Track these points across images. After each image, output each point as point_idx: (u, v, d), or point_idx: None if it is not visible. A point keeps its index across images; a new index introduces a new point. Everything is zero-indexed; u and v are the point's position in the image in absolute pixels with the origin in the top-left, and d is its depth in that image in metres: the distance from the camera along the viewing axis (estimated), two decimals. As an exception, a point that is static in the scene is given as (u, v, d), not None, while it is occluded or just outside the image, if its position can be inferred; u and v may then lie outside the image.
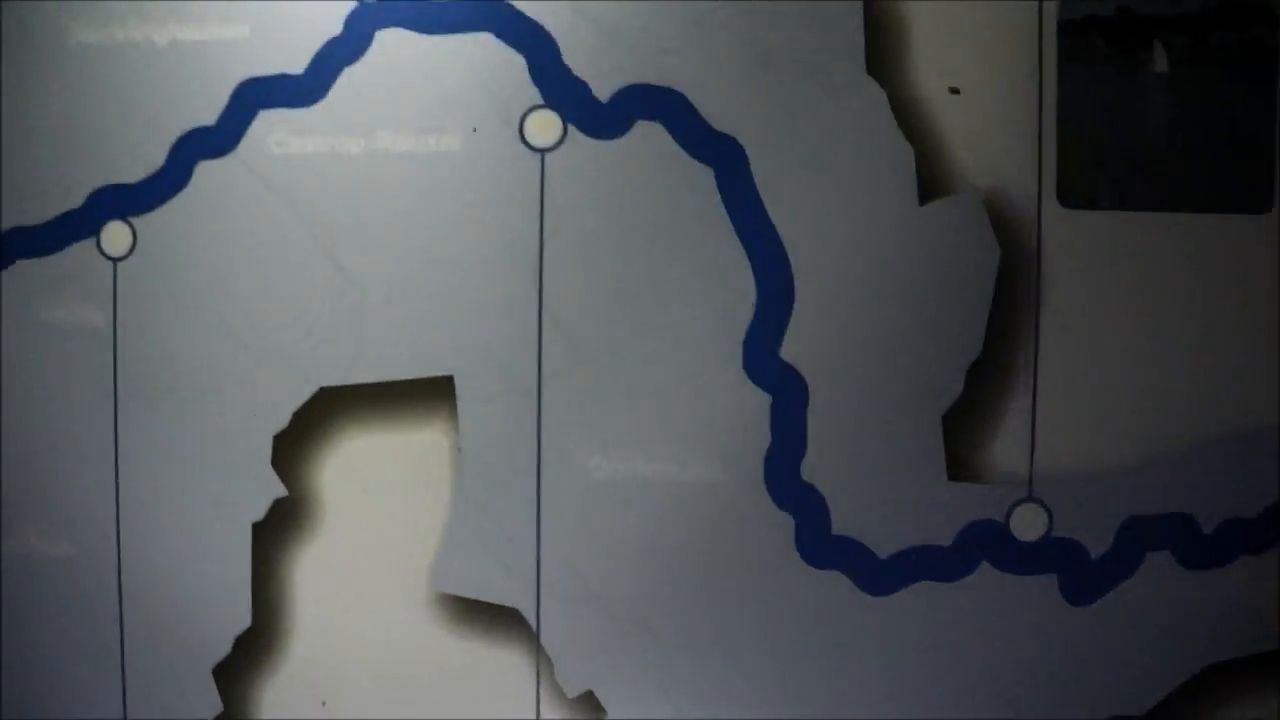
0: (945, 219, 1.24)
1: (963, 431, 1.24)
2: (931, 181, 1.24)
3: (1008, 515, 1.23)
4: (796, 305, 1.26)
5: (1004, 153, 1.24)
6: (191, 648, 1.37)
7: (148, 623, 1.42)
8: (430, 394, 1.30)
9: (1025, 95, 1.23)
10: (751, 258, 1.26)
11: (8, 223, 1.40)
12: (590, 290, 1.27)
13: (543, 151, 1.27)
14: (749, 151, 1.26)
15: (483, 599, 1.31)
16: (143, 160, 1.36)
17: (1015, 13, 1.23)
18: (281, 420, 1.32)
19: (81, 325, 1.38)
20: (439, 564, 1.31)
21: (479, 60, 1.29)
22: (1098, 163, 1.23)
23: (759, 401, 1.26)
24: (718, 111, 1.26)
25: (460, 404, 1.29)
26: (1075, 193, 1.23)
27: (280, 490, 1.32)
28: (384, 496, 1.31)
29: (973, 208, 1.23)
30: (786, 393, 1.26)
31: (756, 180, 1.26)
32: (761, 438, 1.26)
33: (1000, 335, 1.24)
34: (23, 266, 1.40)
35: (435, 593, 1.31)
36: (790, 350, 1.26)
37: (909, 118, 1.24)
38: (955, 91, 1.23)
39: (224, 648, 1.36)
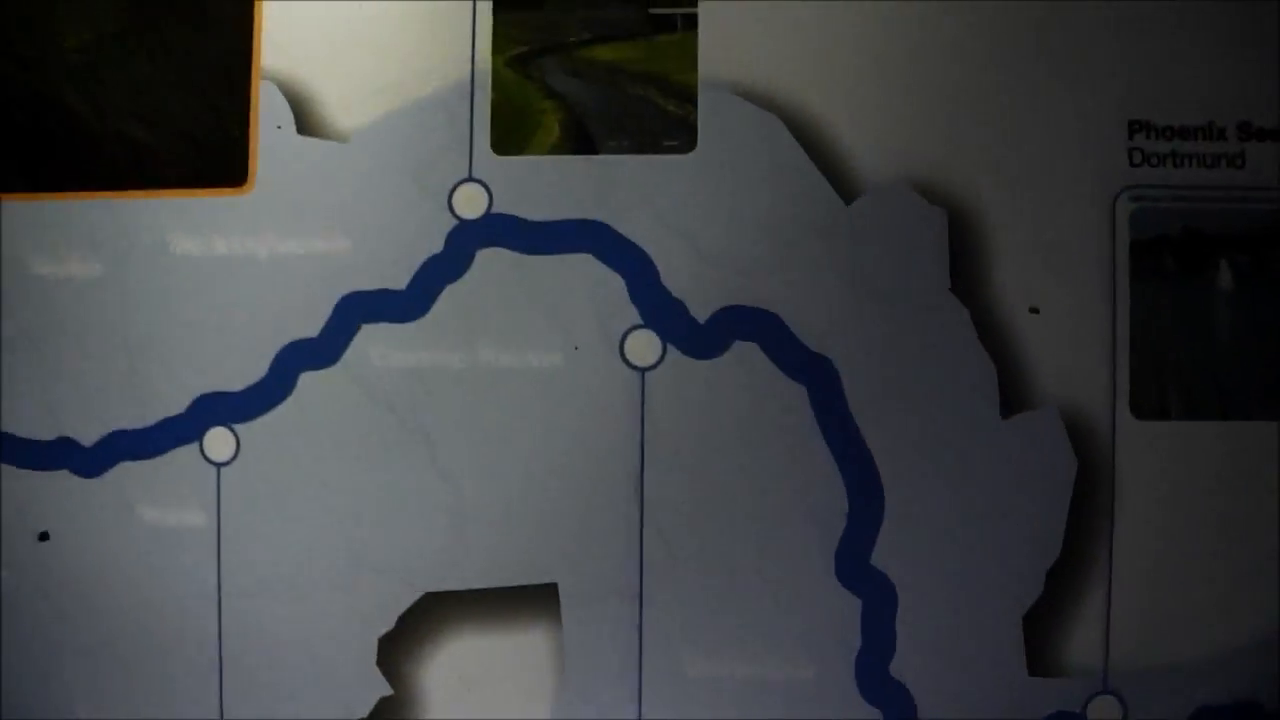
0: (1025, 432, 1.30)
1: (1042, 628, 1.31)
2: (1012, 396, 1.30)
3: (1084, 706, 1.30)
4: (886, 515, 1.30)
5: (1080, 367, 1.31)
6: None
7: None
8: (534, 599, 1.34)
9: (1099, 312, 1.29)
10: (844, 471, 1.31)
11: (111, 425, 1.41)
12: (690, 501, 1.32)
13: (643, 370, 1.31)
14: (841, 370, 1.31)
15: (584, 802, 1.34)
16: (246, 370, 1.38)
17: (1089, 235, 1.29)
18: (387, 622, 1.35)
19: (184, 527, 1.40)
20: None
21: (580, 280, 1.33)
22: (1168, 375, 1.29)
23: (850, 606, 1.31)
24: (811, 332, 1.31)
25: (564, 609, 1.33)
26: (1147, 404, 1.29)
27: (385, 689, 1.35)
28: (488, 697, 1.34)
29: (1051, 421, 1.29)
30: (877, 597, 1.31)
31: (848, 397, 1.30)
32: (853, 639, 1.31)
33: (1077, 539, 1.30)
34: (125, 468, 1.41)
35: None
36: (880, 557, 1.31)
37: (991, 335, 1.30)
38: (1035, 311, 1.29)
39: None
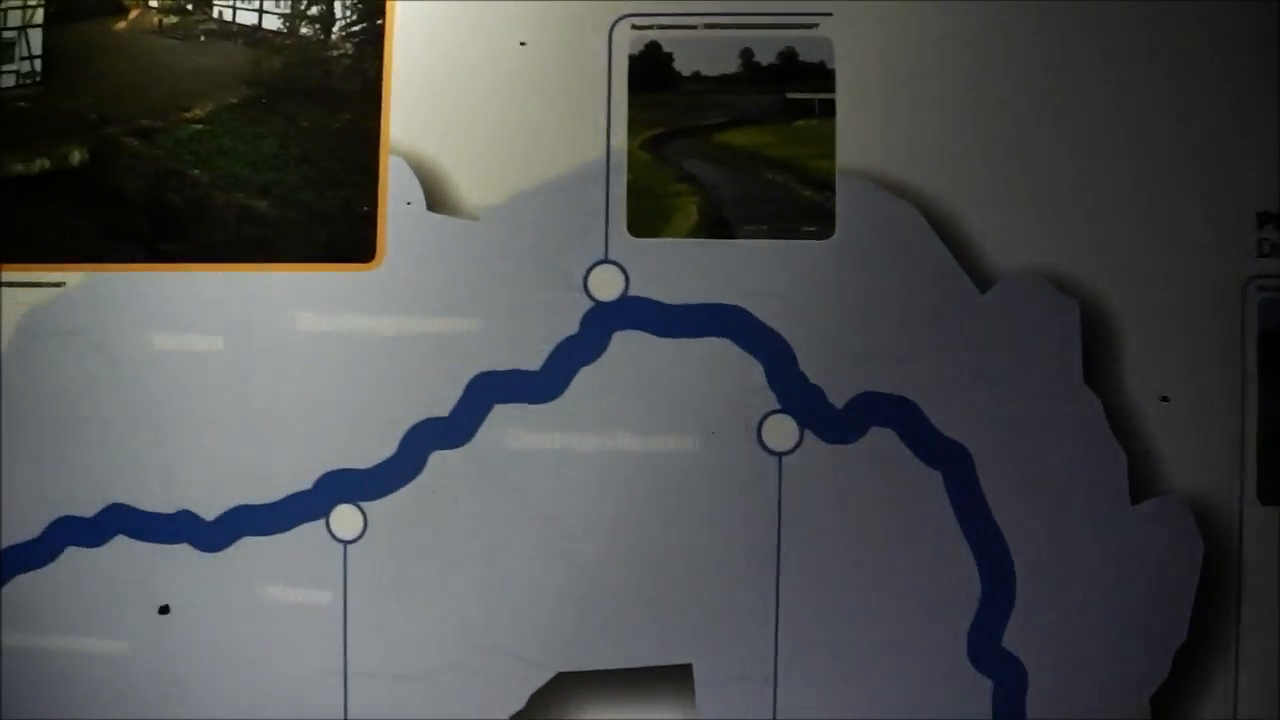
0: (1154, 518, 1.30)
1: (1169, 709, 1.31)
2: (1141, 482, 1.30)
3: (1210, 786, 1.29)
4: (1018, 598, 1.29)
5: (1208, 454, 1.31)
6: None
7: None
8: (668, 680, 1.31)
9: (1229, 400, 1.28)
10: (977, 556, 1.30)
11: (233, 500, 1.37)
12: (824, 585, 1.30)
13: (780, 455, 1.29)
14: (975, 457, 1.29)
15: None
16: (374, 447, 1.35)
17: (1219, 324, 1.29)
18: (518, 702, 1.32)
19: (309, 605, 1.37)
20: None
21: (717, 364, 1.31)
22: (1293, 462, 1.29)
23: (982, 687, 1.30)
24: (946, 419, 1.30)
25: (698, 690, 1.31)
26: (1274, 490, 1.29)
27: None
28: None
29: (1179, 507, 1.29)
30: (1008, 679, 1.31)
31: (982, 483, 1.29)
32: None
33: (1204, 621, 1.30)
34: (248, 543, 1.37)
35: None
36: (1011, 640, 1.29)
37: (1121, 424, 1.30)
38: (1165, 400, 1.28)
39: None
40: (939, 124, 1.32)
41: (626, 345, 1.33)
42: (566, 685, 1.36)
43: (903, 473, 1.31)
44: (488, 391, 1.35)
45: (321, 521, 1.39)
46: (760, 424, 1.32)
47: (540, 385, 1.34)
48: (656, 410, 1.33)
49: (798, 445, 1.31)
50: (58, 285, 1.47)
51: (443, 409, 1.35)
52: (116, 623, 1.45)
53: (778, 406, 1.32)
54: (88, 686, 1.46)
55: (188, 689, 1.44)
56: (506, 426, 1.35)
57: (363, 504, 1.38)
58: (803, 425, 1.31)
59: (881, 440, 1.31)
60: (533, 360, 1.34)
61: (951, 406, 1.31)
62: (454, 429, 1.35)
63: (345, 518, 1.38)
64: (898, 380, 1.31)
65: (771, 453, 1.32)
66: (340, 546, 1.38)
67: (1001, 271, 1.31)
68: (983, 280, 1.31)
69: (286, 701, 1.42)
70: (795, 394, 1.31)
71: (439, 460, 1.36)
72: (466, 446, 1.35)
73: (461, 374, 1.36)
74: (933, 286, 1.31)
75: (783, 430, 1.31)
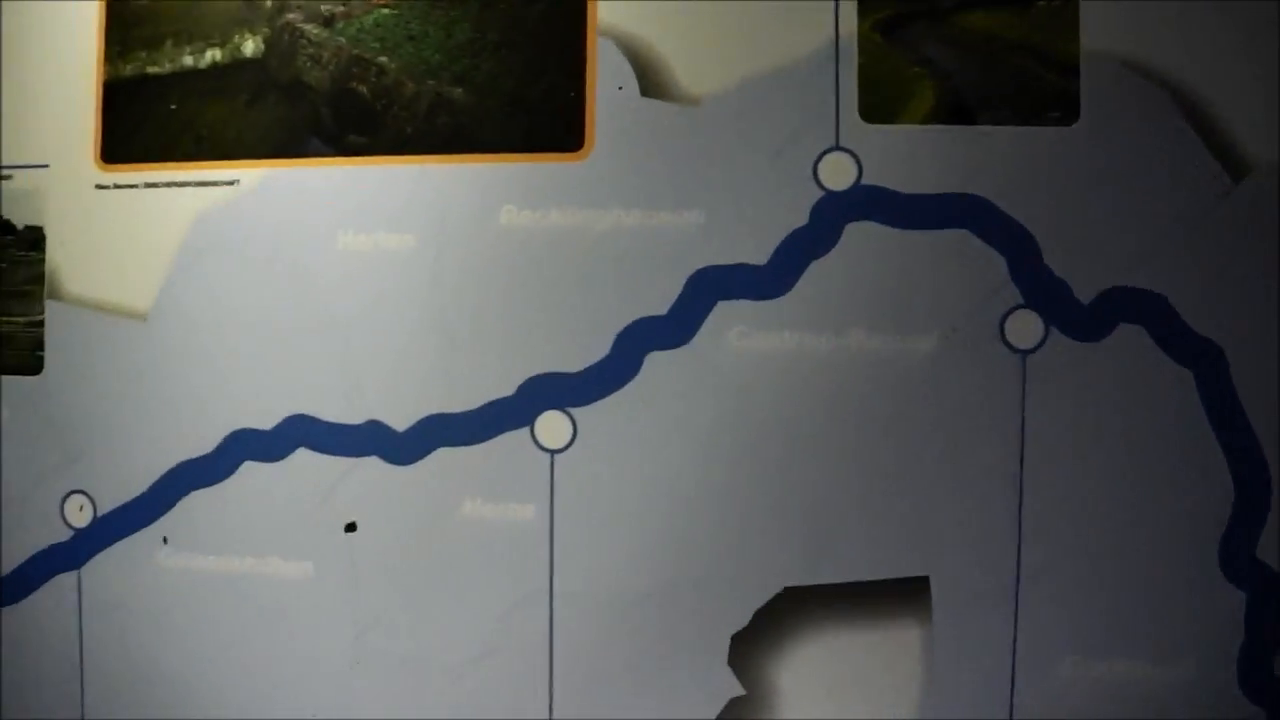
0: None
1: None
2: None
3: None
4: (1274, 506, 1.17)
5: None
6: None
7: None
8: (902, 594, 1.19)
9: None
10: (1230, 460, 1.18)
11: (427, 409, 1.23)
12: (1070, 492, 1.19)
13: (1024, 353, 1.16)
14: (1229, 355, 1.17)
15: (949, 800, 1.20)
16: (584, 350, 1.22)
17: None
18: (742, 619, 1.19)
19: (513, 521, 1.23)
20: None
21: (956, 258, 1.19)
22: None
23: (1234, 600, 1.17)
24: (1199, 316, 1.18)
25: (935, 604, 1.18)
26: None
27: (736, 689, 1.19)
28: (847, 698, 1.19)
29: None
30: (1262, 590, 1.18)
31: (1236, 384, 1.17)
32: (1236, 635, 1.18)
33: None
34: (444, 456, 1.23)
35: None
36: (1266, 550, 1.17)
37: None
38: None
39: None
40: (1193, 9, 1.20)
41: (859, 238, 1.22)
42: (794, 601, 1.23)
43: (1152, 372, 1.20)
44: (709, 288, 1.23)
45: (525, 430, 1.26)
46: (1003, 320, 1.20)
47: (767, 281, 1.22)
48: (892, 307, 1.21)
49: (1042, 343, 1.20)
50: (231, 184, 1.34)
51: (660, 307, 1.23)
52: (299, 542, 1.31)
53: (1021, 302, 1.21)
54: (269, 610, 1.31)
55: (379, 614, 1.30)
56: (730, 325, 1.23)
57: (571, 410, 1.25)
58: (1048, 321, 1.20)
59: (1130, 337, 1.20)
60: (759, 254, 1.22)
61: (1204, 302, 1.20)
62: (672, 328, 1.23)
63: (552, 426, 1.25)
64: (1147, 274, 1.20)
65: (1015, 350, 1.20)
66: (546, 457, 1.25)
67: (1257, 162, 1.19)
68: (1236, 170, 1.19)
69: (487, 627, 1.28)
70: (1040, 288, 1.20)
71: (656, 362, 1.23)
72: (686, 347, 1.23)
73: (681, 269, 1.23)
74: (1184, 176, 1.20)
75: (1027, 327, 1.20)
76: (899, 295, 1.24)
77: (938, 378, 1.24)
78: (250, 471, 1.35)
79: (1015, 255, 1.23)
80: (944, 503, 1.25)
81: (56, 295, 1.41)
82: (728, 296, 1.25)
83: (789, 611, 1.27)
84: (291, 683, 1.35)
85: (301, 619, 1.34)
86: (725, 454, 1.26)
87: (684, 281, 1.25)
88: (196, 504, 1.37)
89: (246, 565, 1.35)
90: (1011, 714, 1.25)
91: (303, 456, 1.33)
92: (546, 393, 1.27)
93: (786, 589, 1.26)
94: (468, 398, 1.29)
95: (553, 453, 1.28)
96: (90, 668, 1.42)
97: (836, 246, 1.24)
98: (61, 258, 1.40)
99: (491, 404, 1.28)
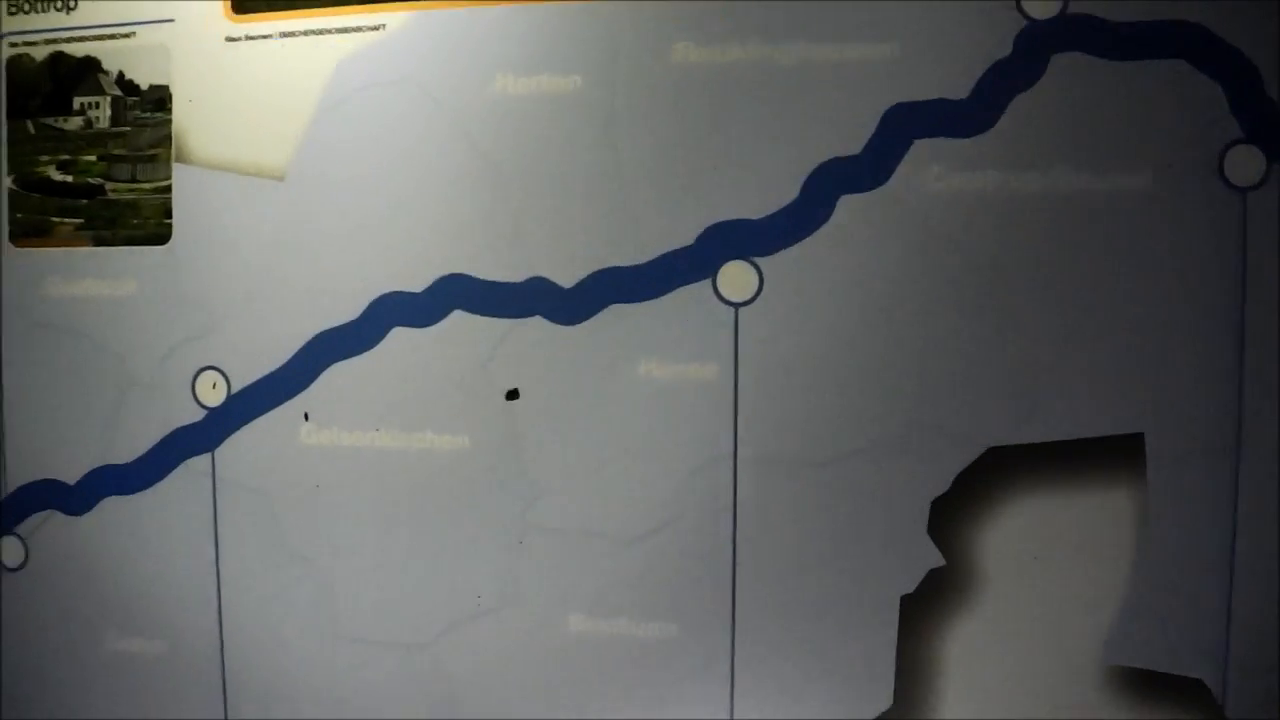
0: None
1: None
2: None
3: None
4: None
5: None
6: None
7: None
8: (1115, 453, 1.02)
9: None
10: None
11: (597, 263, 1.06)
12: (1294, 340, 1.02)
13: (1244, 190, 1.00)
14: None
15: (1163, 671, 1.02)
16: (770, 193, 1.05)
17: None
18: (942, 484, 1.01)
19: (693, 381, 1.06)
20: (1114, 635, 1.02)
21: (1171, 90, 1.04)
22: None
23: None
24: None
25: (1150, 464, 1.01)
26: None
27: (936, 560, 1.01)
28: (1055, 564, 1.03)
29: None
30: None
31: None
32: None
33: None
34: (617, 312, 1.05)
35: (1107, 669, 1.02)
36: None
37: None
38: None
39: None
40: None
41: (1067, 69, 1.08)
42: (997, 463, 1.06)
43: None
44: (906, 125, 1.08)
45: (706, 283, 1.09)
46: (1222, 155, 1.04)
47: (967, 116, 1.07)
48: (1102, 142, 1.07)
49: (1264, 180, 1.04)
50: (376, 29, 1.16)
51: (853, 146, 1.07)
52: (455, 413, 1.14)
53: (1241, 135, 1.05)
54: (423, 488, 1.14)
55: (544, 488, 1.12)
56: (928, 165, 1.08)
57: (756, 260, 1.08)
58: (1270, 157, 1.02)
59: (1360, 174, 1.04)
60: (958, 88, 1.08)
61: None
62: (865, 169, 1.08)
63: (735, 277, 1.09)
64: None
65: (1234, 188, 1.05)
66: (729, 311, 1.08)
67: None
68: None
69: (665, 497, 1.11)
70: (1262, 121, 1.07)
71: (849, 205, 1.08)
72: (880, 189, 1.08)
73: (874, 106, 1.07)
74: None
75: (1247, 162, 1.04)
76: (1109, 130, 1.10)
77: (1151, 218, 1.09)
78: (399, 338, 1.18)
79: (1235, 86, 1.09)
80: (1159, 353, 1.10)
81: (185, 158, 1.24)
82: (925, 134, 1.10)
83: (993, 474, 1.11)
84: (450, 565, 1.18)
85: (459, 496, 1.17)
86: (923, 304, 1.10)
87: (878, 119, 1.10)
88: (340, 376, 1.20)
89: (397, 440, 1.18)
90: (1232, 579, 1.08)
91: (458, 320, 1.16)
92: (729, 241, 1.12)
93: (990, 449, 1.11)
94: (641, 249, 1.13)
95: (736, 306, 1.11)
96: (226, 555, 1.24)
97: (1041, 79, 1.09)
98: (189, 118, 1.23)
99: (668, 255, 1.12)
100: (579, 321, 1.17)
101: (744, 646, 1.17)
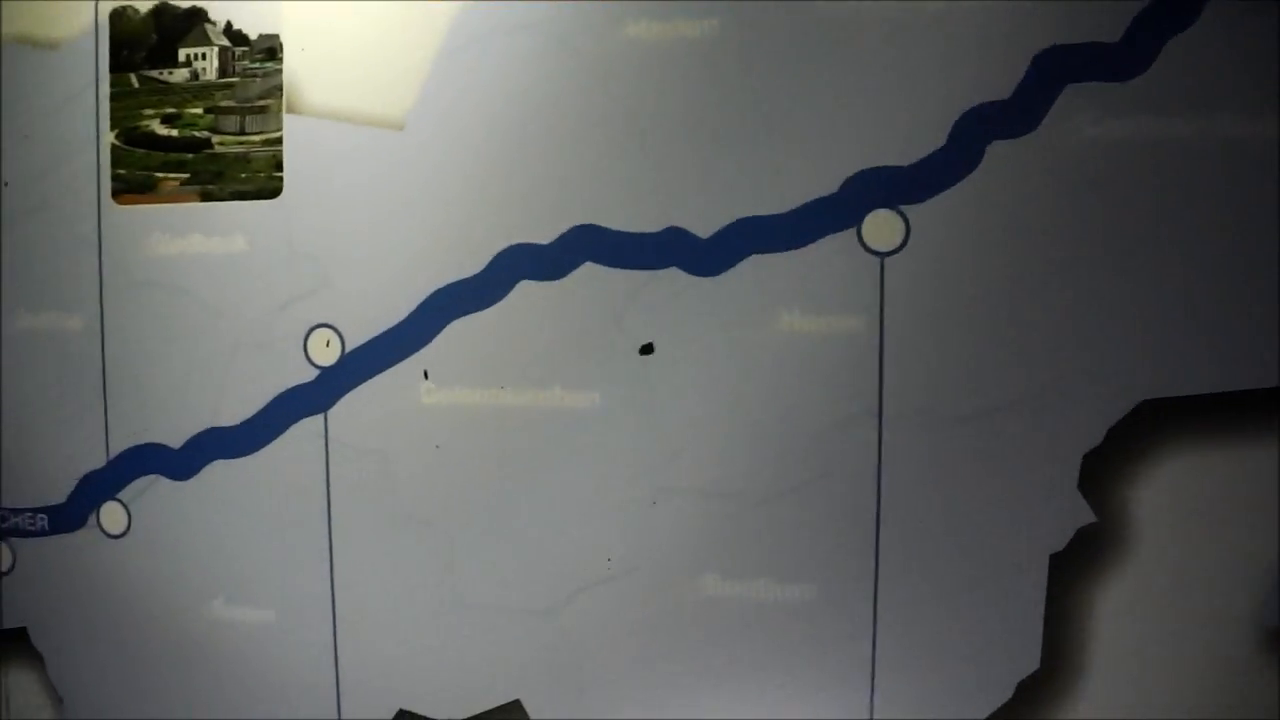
0: None
1: None
2: None
3: None
4: None
5: None
6: (963, 692, 0.99)
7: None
8: (1272, 405, 0.95)
9: None
10: None
11: (737, 212, 0.99)
12: None
13: None
14: None
15: (1324, 630, 0.99)
16: (917, 139, 0.98)
17: None
18: (1093, 438, 0.95)
19: (838, 333, 0.99)
20: (1275, 595, 0.96)
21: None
22: None
23: None
24: None
25: None
26: None
27: (1087, 517, 0.95)
28: (1211, 521, 0.98)
29: None
30: None
31: None
32: None
33: None
34: (758, 263, 0.99)
35: (1267, 630, 0.96)
36: None
37: None
38: None
39: (1004, 693, 0.98)
40: None
41: (1223, 10, 1.01)
42: (1151, 416, 1.01)
43: None
44: (1057, 69, 1.03)
45: (851, 232, 1.03)
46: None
47: (1121, 60, 1.01)
48: (1266, 86, 0.99)
49: None
50: (501, -28, 1.10)
51: (1003, 90, 1.02)
52: (585, 368, 1.08)
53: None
54: (551, 447, 1.08)
55: (680, 446, 1.06)
56: (1081, 110, 1.02)
57: (903, 209, 1.02)
58: None
59: None
60: (1111, 30, 1.01)
61: None
62: (1016, 115, 1.03)
63: (881, 226, 1.02)
64: None
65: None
66: (875, 261, 1.02)
67: None
68: None
69: (806, 452, 1.05)
70: None
71: (997, 153, 1.02)
72: (1031, 135, 1.03)
73: (1025, 49, 1.01)
74: None
75: None
76: (1269, 74, 1.01)
77: (1316, 164, 1.02)
78: (527, 292, 1.11)
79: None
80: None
81: (296, 109, 1.17)
82: (1077, 79, 1.03)
83: (1146, 428, 1.06)
84: (578, 527, 1.11)
85: (588, 455, 1.10)
86: (1073, 254, 1.05)
87: (1028, 62, 1.03)
88: (463, 332, 1.13)
89: (523, 398, 1.11)
90: (1392, 536, 1.03)
91: (589, 272, 1.10)
92: (875, 189, 1.06)
93: (1144, 402, 1.06)
94: (784, 198, 1.07)
95: (882, 256, 1.05)
96: (339, 520, 1.17)
97: (1198, 21, 1.02)
98: (302, 67, 1.16)
99: (811, 204, 1.06)
100: (717, 273, 1.11)
101: (886, 608, 1.11)
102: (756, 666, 1.13)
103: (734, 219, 1.11)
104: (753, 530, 1.12)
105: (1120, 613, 1.10)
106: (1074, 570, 1.10)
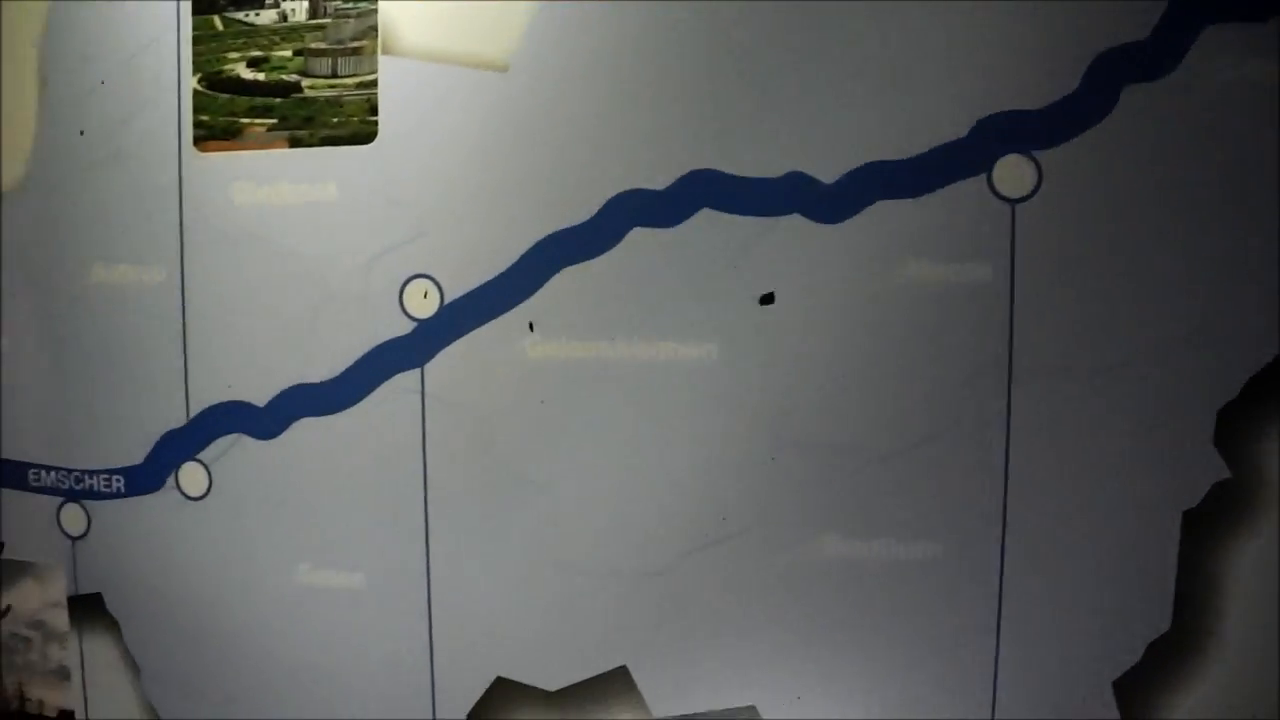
0: None
1: None
2: None
3: None
4: None
5: None
6: (1091, 654, 0.94)
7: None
8: None
9: None
10: None
11: (863, 156, 0.94)
12: None
13: None
14: None
15: None
16: (1049, 83, 0.93)
17: None
18: (1230, 391, 0.91)
19: (965, 282, 0.94)
20: None
21: None
22: None
23: None
24: None
25: None
26: None
27: (1222, 472, 0.91)
28: None
29: None
30: None
31: None
32: None
33: None
34: (884, 210, 0.94)
35: None
36: None
37: None
38: None
39: (1134, 655, 0.92)
40: None
41: (1372, -54, 0.94)
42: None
43: None
44: (1197, 9, 0.96)
45: (981, 178, 0.97)
46: None
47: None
48: None
49: None
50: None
51: (1138, 31, 0.96)
52: (700, 319, 1.02)
53: None
54: (661, 401, 1.02)
55: (798, 399, 1.00)
56: (1221, 52, 0.96)
57: (1035, 154, 0.96)
58: None
59: None
60: (1255, -32, 0.95)
61: None
62: (1152, 56, 0.98)
63: (1012, 171, 0.97)
64: None
65: None
66: (1005, 208, 0.96)
67: None
68: None
69: (932, 406, 1.00)
70: None
71: (1133, 96, 0.97)
72: (1168, 78, 0.98)
73: (1164, -12, 0.96)
74: None
75: None
76: None
77: None
78: (640, 241, 1.06)
79: None
80: None
81: (392, 50, 1.11)
82: (1218, 19, 0.98)
83: (1285, 381, 0.99)
84: (692, 485, 1.05)
85: (704, 410, 1.04)
86: (1213, 200, 0.99)
87: (1167, 2, 0.96)
88: (571, 282, 1.07)
89: (635, 351, 1.05)
90: None
91: (705, 219, 1.04)
92: (1005, 134, 1.02)
93: (1282, 356, 0.99)
94: (911, 142, 1.02)
95: (1013, 202, 1.00)
96: (436, 480, 1.11)
97: (1344, -42, 0.97)
98: (399, 6, 1.09)
99: (940, 148, 1.02)
100: (841, 220, 1.05)
101: (1014, 567, 1.06)
102: (876, 629, 1.08)
103: (859, 164, 1.05)
104: (875, 487, 1.06)
105: (1255, 572, 1.05)
106: (1207, 528, 1.05)
